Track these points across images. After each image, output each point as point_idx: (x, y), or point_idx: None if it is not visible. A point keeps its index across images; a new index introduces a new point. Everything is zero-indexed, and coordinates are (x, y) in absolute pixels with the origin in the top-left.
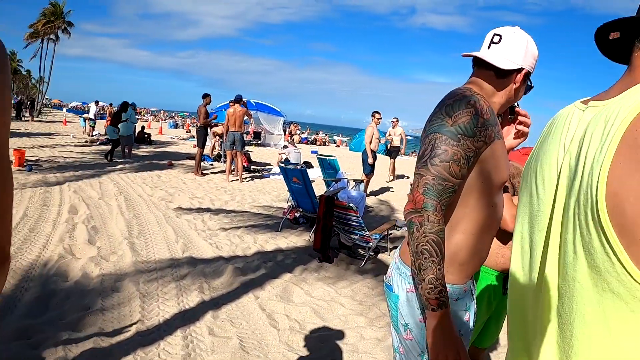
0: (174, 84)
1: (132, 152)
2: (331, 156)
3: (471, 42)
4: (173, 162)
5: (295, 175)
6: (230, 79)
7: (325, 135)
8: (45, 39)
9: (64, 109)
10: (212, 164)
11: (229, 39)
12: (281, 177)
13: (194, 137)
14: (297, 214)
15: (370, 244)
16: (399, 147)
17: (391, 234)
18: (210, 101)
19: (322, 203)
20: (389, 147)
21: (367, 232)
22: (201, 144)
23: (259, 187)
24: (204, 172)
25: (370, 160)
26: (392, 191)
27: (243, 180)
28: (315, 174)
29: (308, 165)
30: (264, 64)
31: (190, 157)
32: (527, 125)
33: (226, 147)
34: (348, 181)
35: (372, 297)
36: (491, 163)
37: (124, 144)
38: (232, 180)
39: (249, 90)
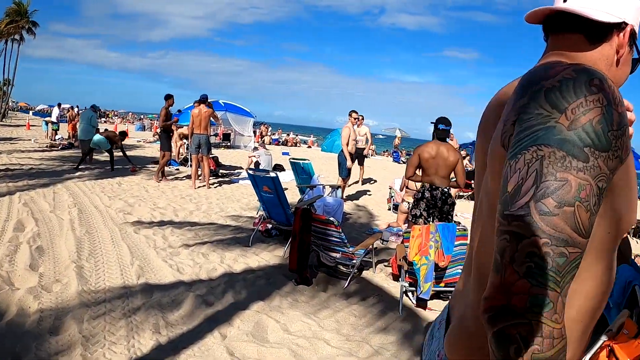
0: (144, 86)
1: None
2: (305, 160)
3: (441, 41)
4: (137, 167)
5: (266, 184)
6: (201, 80)
7: (297, 135)
8: (10, 39)
9: (30, 112)
10: (177, 169)
11: (200, 39)
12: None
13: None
14: (269, 226)
15: (354, 261)
16: (364, 148)
17: (376, 247)
18: (173, 103)
19: (298, 217)
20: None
21: (351, 249)
22: (166, 147)
23: (227, 193)
24: (168, 177)
25: (348, 163)
26: (370, 194)
27: (210, 186)
28: (287, 177)
29: (280, 168)
30: (236, 64)
31: (155, 161)
32: (631, 121)
33: (191, 151)
34: (324, 187)
35: (360, 329)
36: (624, 196)
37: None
38: (199, 187)
39: (220, 91)
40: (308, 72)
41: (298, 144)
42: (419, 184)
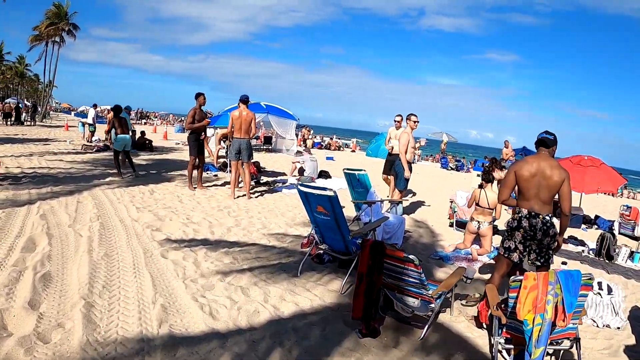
0: (185, 88)
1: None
2: (360, 170)
3: (479, 43)
4: (172, 173)
5: (321, 204)
6: (240, 83)
7: (340, 139)
8: (50, 41)
9: (72, 113)
10: (216, 175)
11: (239, 42)
12: (296, 190)
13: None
14: (321, 250)
15: (432, 305)
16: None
17: (456, 286)
18: (205, 101)
19: (367, 252)
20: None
21: (429, 292)
22: (193, 152)
23: (270, 205)
24: (205, 184)
25: (406, 173)
26: (427, 206)
27: (251, 196)
28: (335, 184)
29: (325, 175)
30: (274, 67)
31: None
32: None
33: (231, 157)
34: (382, 202)
35: None
36: None
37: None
38: (238, 197)
39: (258, 93)
40: (345, 74)
41: (342, 148)
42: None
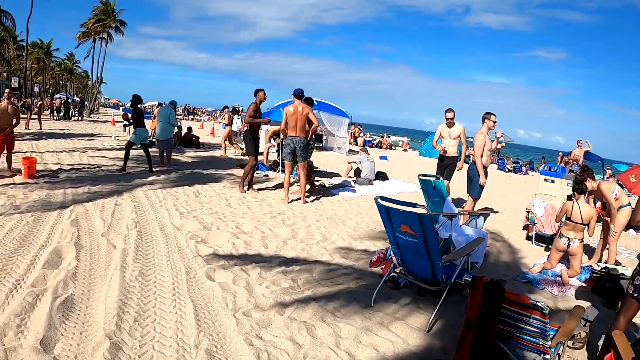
0: (232, 85)
1: (172, 157)
2: (436, 177)
3: (528, 41)
4: (220, 172)
5: (406, 222)
6: (286, 80)
7: (389, 137)
8: (98, 38)
9: (120, 108)
10: (266, 175)
11: (285, 40)
12: (355, 193)
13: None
14: (396, 272)
15: (548, 357)
16: (456, 157)
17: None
18: (265, 98)
19: (479, 294)
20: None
21: (549, 342)
22: (252, 151)
23: (327, 211)
24: (255, 185)
25: (481, 179)
26: (496, 212)
27: (306, 200)
28: (394, 188)
29: (383, 176)
30: (320, 65)
31: (241, 164)
32: None
33: (284, 157)
34: (460, 214)
35: None
36: None
37: (161, 148)
38: (292, 201)
39: (310, 89)
40: (391, 72)
41: (393, 147)
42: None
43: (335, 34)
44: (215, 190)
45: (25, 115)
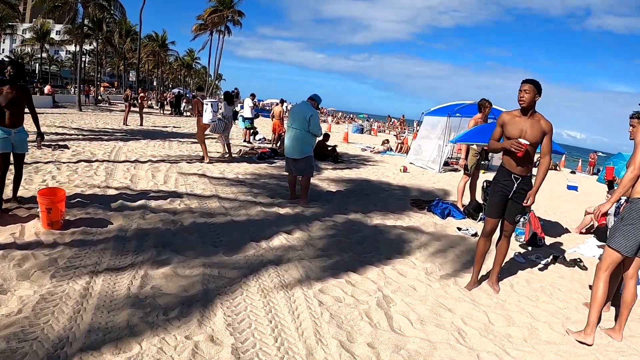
0: (349, 86)
1: (311, 185)
2: None
3: None
4: (394, 215)
5: None
6: (404, 83)
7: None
8: (215, 30)
9: (238, 105)
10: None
11: (401, 42)
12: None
13: (402, 151)
14: None
15: None
16: None
17: None
18: (490, 110)
19: None
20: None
21: None
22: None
23: None
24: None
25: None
26: None
27: None
28: None
29: None
30: (438, 68)
31: (417, 203)
32: None
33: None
34: None
35: None
36: None
37: (295, 173)
38: None
39: (424, 95)
40: (511, 77)
41: (557, 168)
42: None
43: (452, 36)
44: (408, 266)
45: (124, 109)
